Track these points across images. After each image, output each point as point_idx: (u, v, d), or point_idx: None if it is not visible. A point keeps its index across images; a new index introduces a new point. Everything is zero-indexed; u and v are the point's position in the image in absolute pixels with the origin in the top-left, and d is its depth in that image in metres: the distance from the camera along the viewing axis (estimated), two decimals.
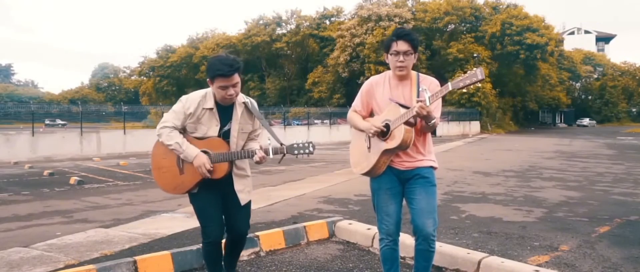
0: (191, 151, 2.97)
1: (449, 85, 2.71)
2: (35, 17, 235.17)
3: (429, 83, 2.99)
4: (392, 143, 2.89)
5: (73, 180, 10.44)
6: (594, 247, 4.63)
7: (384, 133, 2.95)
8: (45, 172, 12.27)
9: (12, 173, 12.78)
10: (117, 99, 70.61)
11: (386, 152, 2.94)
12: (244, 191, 3.15)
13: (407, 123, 2.84)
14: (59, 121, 44.98)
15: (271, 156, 3.03)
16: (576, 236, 5.08)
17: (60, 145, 18.41)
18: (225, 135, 3.08)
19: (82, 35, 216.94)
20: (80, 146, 18.73)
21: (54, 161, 16.61)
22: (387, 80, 3.09)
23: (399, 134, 2.85)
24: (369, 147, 3.04)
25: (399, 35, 2.96)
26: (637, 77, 66.63)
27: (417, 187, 2.99)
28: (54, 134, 20.63)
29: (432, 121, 2.81)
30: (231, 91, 2.96)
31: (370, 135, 3.00)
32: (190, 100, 3.06)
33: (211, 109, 3.04)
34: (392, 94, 3.02)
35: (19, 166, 14.95)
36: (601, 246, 4.66)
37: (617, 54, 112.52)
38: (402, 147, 2.89)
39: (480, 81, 2.58)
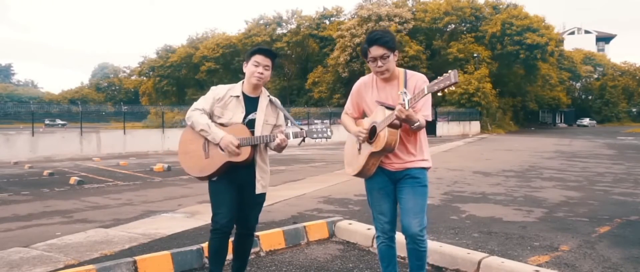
0: (218, 132, 3.14)
1: (425, 89, 2.69)
2: (35, 17, 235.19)
3: (416, 81, 2.97)
4: (377, 146, 2.91)
5: (73, 180, 10.44)
6: (594, 247, 4.63)
7: (371, 135, 2.96)
8: (45, 172, 12.27)
9: (12, 173, 12.77)
10: (117, 99, 70.62)
11: (373, 154, 2.96)
12: (260, 181, 3.26)
13: (391, 125, 2.83)
14: (59, 121, 45.00)
15: (291, 138, 3.17)
16: (576, 236, 5.08)
17: (60, 145, 18.41)
18: (249, 125, 3.21)
19: (81, 35, 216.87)
20: (80, 146, 18.73)
21: (54, 161, 16.61)
22: (375, 81, 3.09)
23: (383, 136, 2.85)
24: (359, 149, 3.06)
25: (370, 41, 2.92)
26: (637, 77, 66.63)
27: (406, 187, 3.00)
28: (54, 134, 20.63)
29: (416, 124, 2.80)
30: (261, 69, 3.19)
31: (360, 141, 3.03)
32: (220, 88, 3.33)
33: (238, 96, 3.25)
34: (379, 95, 3.03)
35: (19, 166, 14.94)
36: (601, 246, 4.67)
37: (617, 54, 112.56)
38: (387, 149, 2.89)
39: (454, 84, 2.56)
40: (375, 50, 2.91)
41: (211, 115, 3.25)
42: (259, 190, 3.26)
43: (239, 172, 3.19)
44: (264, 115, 3.26)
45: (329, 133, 3.21)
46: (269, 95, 3.34)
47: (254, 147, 3.19)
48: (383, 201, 3.10)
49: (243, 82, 3.32)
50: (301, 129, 3.17)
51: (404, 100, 2.73)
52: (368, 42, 2.93)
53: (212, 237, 3.23)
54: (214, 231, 3.20)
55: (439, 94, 2.70)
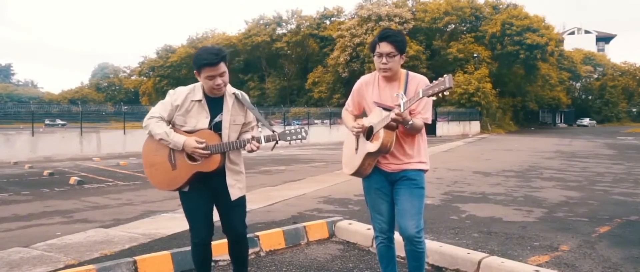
0: (178, 139, 2.91)
1: (420, 93, 2.70)
2: (34, 17, 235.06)
3: (417, 83, 2.97)
4: (372, 147, 2.92)
5: (73, 180, 10.44)
6: (594, 247, 4.63)
7: (368, 135, 2.98)
8: (45, 172, 12.27)
9: (12, 173, 12.77)
10: (117, 99, 70.62)
11: (369, 155, 2.97)
12: (235, 185, 3.05)
13: (387, 126, 2.83)
14: (59, 121, 44.93)
15: (263, 143, 2.98)
16: (576, 236, 5.08)
17: (60, 145, 18.42)
18: (216, 128, 3.00)
19: (81, 35, 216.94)
20: (80, 146, 18.74)
21: (54, 161, 16.61)
22: (377, 81, 3.09)
23: (379, 137, 2.87)
24: (357, 149, 3.07)
25: (382, 36, 2.93)
26: (637, 77, 66.67)
27: (402, 188, 3.00)
28: (54, 134, 20.64)
29: (410, 123, 2.80)
30: (219, 81, 2.91)
31: (353, 135, 3.05)
32: (178, 93, 3.03)
33: (200, 100, 2.99)
34: (380, 95, 3.03)
35: (19, 166, 14.94)
36: (601, 246, 4.66)
37: (617, 54, 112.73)
38: (383, 150, 2.90)
39: (448, 89, 2.57)
40: (384, 47, 2.91)
41: (173, 125, 3.01)
42: (234, 195, 3.04)
43: (211, 180, 2.99)
44: (230, 116, 3.02)
45: (304, 134, 3.01)
46: (234, 92, 3.07)
47: (224, 153, 2.98)
48: (381, 201, 3.10)
49: None
50: (273, 132, 2.98)
51: (400, 102, 2.75)
52: (379, 37, 2.95)
53: (195, 250, 3.13)
54: (195, 245, 3.11)
55: (435, 97, 2.70)
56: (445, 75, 2.61)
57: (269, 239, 4.58)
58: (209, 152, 2.90)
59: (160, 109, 3.02)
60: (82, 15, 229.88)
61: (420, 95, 2.69)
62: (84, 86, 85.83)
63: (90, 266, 3.61)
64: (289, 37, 52.27)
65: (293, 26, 53.97)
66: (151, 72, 62.83)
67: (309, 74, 49.45)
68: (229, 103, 3.03)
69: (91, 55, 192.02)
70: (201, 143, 2.89)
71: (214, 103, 3.01)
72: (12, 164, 15.62)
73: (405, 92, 2.91)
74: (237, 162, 3.10)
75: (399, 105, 2.73)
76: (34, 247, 4.55)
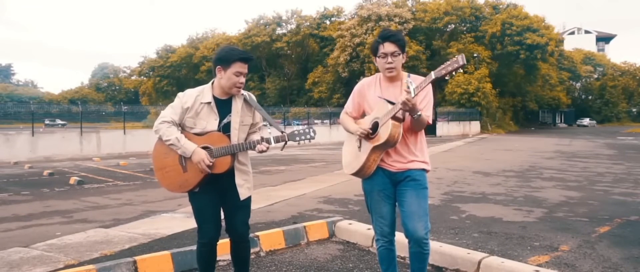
0: (189, 146, 2.95)
1: (432, 74, 2.71)
2: (34, 17, 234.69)
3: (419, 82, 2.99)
4: (379, 139, 2.90)
5: (73, 180, 10.44)
6: (594, 247, 4.63)
7: (373, 130, 2.96)
8: (45, 172, 12.27)
9: (12, 173, 12.77)
10: (117, 99, 70.65)
11: (375, 149, 2.94)
12: (244, 185, 3.09)
13: (394, 118, 2.84)
14: (58, 121, 45.00)
15: (273, 144, 3.02)
16: (576, 236, 5.08)
17: (60, 145, 18.41)
18: (225, 129, 3.04)
19: (81, 34, 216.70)
20: (80, 146, 18.73)
21: (54, 161, 16.61)
22: (378, 82, 3.10)
23: (386, 129, 2.85)
24: (360, 147, 3.06)
25: (385, 37, 2.97)
26: (637, 77, 66.66)
27: (408, 190, 2.99)
28: (54, 134, 20.63)
29: (417, 114, 2.79)
30: (242, 79, 2.99)
31: (358, 136, 3.03)
32: (187, 95, 3.07)
33: (209, 102, 3.03)
34: (383, 94, 3.03)
35: (19, 166, 14.94)
36: (601, 246, 4.67)
37: (617, 54, 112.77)
38: (390, 143, 2.88)
39: (461, 67, 2.60)
40: (388, 46, 2.94)
41: (183, 127, 3.06)
42: (243, 196, 3.08)
43: (219, 180, 3.03)
44: (239, 117, 3.06)
45: (312, 134, 3.06)
46: (243, 93, 3.10)
47: (233, 154, 3.01)
48: (383, 203, 3.08)
49: (213, 84, 3.08)
50: (282, 132, 3.02)
51: (409, 88, 2.72)
52: (382, 38, 2.97)
53: (201, 250, 3.14)
54: (202, 245, 3.12)
55: (448, 77, 2.70)
56: (457, 55, 2.63)
57: (269, 239, 4.58)
58: (209, 171, 2.95)
59: (170, 112, 3.05)
60: (82, 15, 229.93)
61: (433, 76, 2.71)
62: (84, 86, 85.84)
63: (90, 266, 3.61)
64: (289, 37, 52.23)
65: (293, 26, 53.93)
66: (151, 72, 62.82)
67: (309, 74, 49.43)
68: (238, 104, 3.07)
69: (91, 55, 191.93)
70: (211, 160, 2.93)
71: (223, 104, 3.05)
72: (12, 164, 15.62)
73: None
74: (245, 162, 3.14)
75: (408, 92, 2.71)
76: (34, 247, 4.55)
